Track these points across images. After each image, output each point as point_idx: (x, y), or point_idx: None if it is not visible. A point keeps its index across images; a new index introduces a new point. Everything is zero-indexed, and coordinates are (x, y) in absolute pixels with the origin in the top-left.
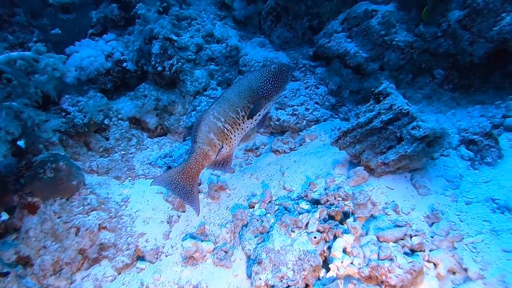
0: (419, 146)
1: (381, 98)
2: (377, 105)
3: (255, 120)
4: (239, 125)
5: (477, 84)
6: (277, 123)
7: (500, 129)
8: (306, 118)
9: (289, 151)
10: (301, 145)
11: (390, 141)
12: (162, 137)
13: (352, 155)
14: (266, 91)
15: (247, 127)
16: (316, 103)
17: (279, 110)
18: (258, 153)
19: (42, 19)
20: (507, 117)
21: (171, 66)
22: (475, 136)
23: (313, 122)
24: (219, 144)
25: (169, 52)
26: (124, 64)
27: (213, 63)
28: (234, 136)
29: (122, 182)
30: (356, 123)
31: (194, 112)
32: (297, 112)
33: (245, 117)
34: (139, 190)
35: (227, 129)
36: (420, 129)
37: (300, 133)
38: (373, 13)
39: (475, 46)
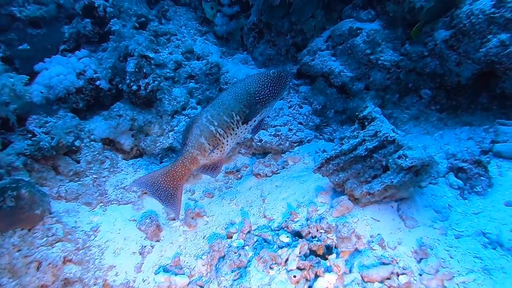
0: (406, 176)
1: (366, 123)
2: (361, 131)
3: (250, 126)
4: (233, 130)
5: (464, 105)
6: (259, 144)
7: (489, 155)
8: (289, 139)
9: (271, 174)
10: (283, 167)
11: (375, 169)
12: (138, 159)
13: (335, 183)
14: (263, 96)
15: (241, 132)
16: (300, 123)
17: (261, 131)
18: (239, 175)
19: (9, 34)
20: (495, 142)
21: (147, 85)
22: (464, 164)
23: (297, 143)
24: (209, 149)
25: (144, 70)
26: (98, 83)
27: (193, 81)
28: (227, 141)
29: (93, 209)
30: (339, 150)
31: (172, 132)
32: (280, 133)
33: (240, 122)
34: (111, 217)
35: (219, 133)
36: (407, 159)
37: (283, 155)
38: (358, 31)
39: (462, 67)
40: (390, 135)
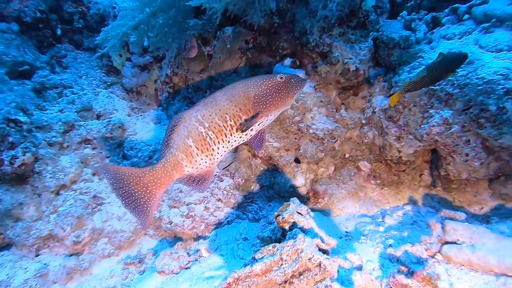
0: None
1: (287, 230)
2: (278, 245)
3: (246, 135)
4: (226, 136)
5: (407, 181)
6: (169, 226)
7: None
8: (205, 221)
9: (179, 270)
10: (196, 260)
11: None
12: (3, 253)
13: None
14: (264, 103)
15: (235, 141)
16: (219, 200)
17: (172, 209)
18: (141, 268)
19: None
20: (446, 242)
21: (13, 158)
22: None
23: (214, 226)
24: (197, 155)
25: (11, 139)
26: None
27: (89, 146)
28: (218, 148)
29: None
30: (250, 269)
31: (55, 215)
32: (193, 213)
33: (234, 128)
34: None
35: (210, 137)
36: None
37: (196, 242)
38: None
39: (403, 143)
40: (315, 257)
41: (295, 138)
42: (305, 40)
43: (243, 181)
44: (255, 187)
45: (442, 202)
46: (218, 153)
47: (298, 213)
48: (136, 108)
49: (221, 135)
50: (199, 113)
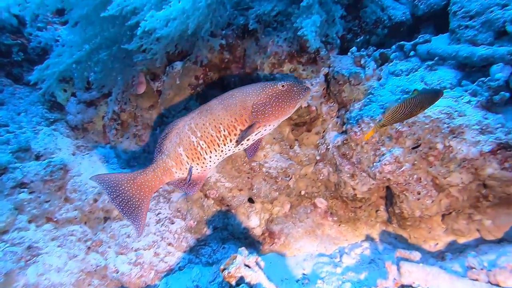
0: None
1: (234, 285)
2: None
3: (242, 145)
4: (218, 146)
5: (364, 217)
6: (115, 275)
7: None
8: (155, 268)
9: None
10: None
11: None
12: None
13: None
14: (263, 113)
15: (229, 150)
16: (170, 244)
17: (119, 256)
18: None
19: None
20: (402, 285)
21: None
22: None
23: (165, 273)
24: (187, 163)
25: None
26: None
27: (25, 190)
28: (210, 157)
29: None
30: None
31: None
32: (142, 260)
33: (228, 138)
34: None
35: (201, 147)
36: None
37: None
38: None
39: (357, 180)
40: None
41: (248, 178)
42: (256, 76)
43: (196, 223)
44: (208, 229)
45: (398, 238)
46: (210, 161)
47: (246, 265)
48: (82, 146)
49: (213, 145)
50: (193, 121)
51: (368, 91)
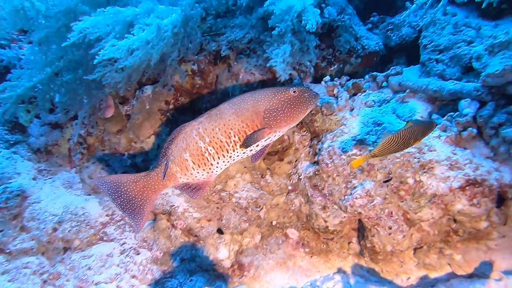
0: None
1: None
2: None
3: (250, 150)
4: (227, 152)
5: (336, 249)
6: None
7: None
8: None
9: None
10: None
11: None
12: None
13: None
14: (275, 118)
15: (238, 156)
16: (134, 276)
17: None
18: None
19: None
20: None
21: None
22: None
23: None
24: (193, 168)
25: None
26: None
27: None
28: (218, 163)
29: None
30: None
31: None
32: None
33: (238, 144)
34: None
35: (209, 152)
36: None
37: None
38: None
39: (329, 213)
40: None
41: (217, 208)
42: None
43: (162, 254)
44: (175, 260)
45: (370, 271)
46: (217, 167)
47: None
48: (45, 170)
49: (222, 151)
50: (201, 126)
51: (341, 122)
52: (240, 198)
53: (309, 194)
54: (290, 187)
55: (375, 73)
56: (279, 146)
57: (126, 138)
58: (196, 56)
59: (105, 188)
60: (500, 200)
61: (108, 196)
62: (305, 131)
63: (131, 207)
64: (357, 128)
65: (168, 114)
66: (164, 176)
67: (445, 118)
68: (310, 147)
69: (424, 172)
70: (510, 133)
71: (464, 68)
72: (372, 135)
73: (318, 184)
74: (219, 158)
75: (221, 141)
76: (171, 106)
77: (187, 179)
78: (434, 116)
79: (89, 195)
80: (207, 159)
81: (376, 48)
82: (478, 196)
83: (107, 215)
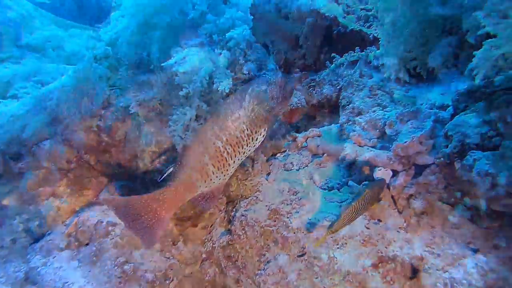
0: None
1: None
2: None
3: (259, 142)
4: (242, 147)
5: None
6: None
7: None
8: None
9: None
10: None
11: None
12: None
13: None
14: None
15: (249, 150)
16: None
17: None
18: None
19: None
20: None
21: None
22: None
23: None
24: (213, 173)
25: None
26: None
27: None
28: (234, 162)
29: None
30: None
31: None
32: None
33: (250, 138)
34: None
35: (227, 151)
36: None
37: None
38: None
39: (242, 287)
40: None
41: (120, 283)
42: (134, 165)
43: None
44: None
45: None
46: (232, 167)
47: None
48: None
49: (238, 147)
50: (216, 125)
51: (256, 187)
52: (146, 271)
53: (222, 266)
54: (204, 255)
55: (294, 133)
56: (191, 212)
57: (17, 200)
58: (104, 110)
59: (117, 213)
60: (414, 271)
61: (122, 221)
62: (221, 194)
63: (143, 229)
64: (272, 195)
65: (69, 174)
66: (160, 179)
67: (361, 185)
68: (225, 211)
69: (338, 248)
70: (420, 205)
71: (379, 132)
72: (287, 204)
73: (232, 255)
74: (235, 156)
75: (236, 137)
76: (73, 165)
77: (206, 186)
78: (351, 184)
79: None
80: (226, 159)
81: (298, 105)
82: (390, 274)
83: None
